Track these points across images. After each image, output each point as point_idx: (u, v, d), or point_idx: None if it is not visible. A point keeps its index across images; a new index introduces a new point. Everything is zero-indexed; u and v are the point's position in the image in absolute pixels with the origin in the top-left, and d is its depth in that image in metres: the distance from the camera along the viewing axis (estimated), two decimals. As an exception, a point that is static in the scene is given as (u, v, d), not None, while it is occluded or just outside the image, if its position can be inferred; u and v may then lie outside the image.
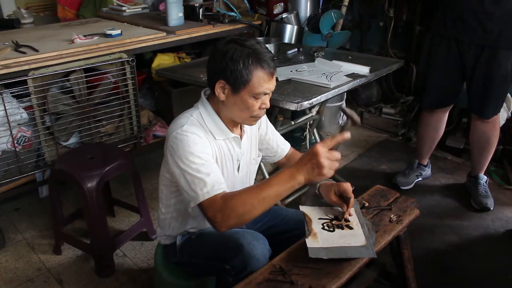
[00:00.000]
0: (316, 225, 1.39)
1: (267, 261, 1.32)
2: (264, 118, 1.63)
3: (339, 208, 1.48)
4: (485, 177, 2.60)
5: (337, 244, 1.31)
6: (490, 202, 2.51)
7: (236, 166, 1.51)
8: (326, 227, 1.39)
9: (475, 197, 2.54)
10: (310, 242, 1.30)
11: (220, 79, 1.35)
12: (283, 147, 1.70)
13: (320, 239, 1.32)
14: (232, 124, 1.45)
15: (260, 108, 1.39)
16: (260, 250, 1.34)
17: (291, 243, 1.35)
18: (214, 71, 1.36)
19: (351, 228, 1.40)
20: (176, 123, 1.40)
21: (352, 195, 1.45)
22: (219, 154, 1.43)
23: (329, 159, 1.20)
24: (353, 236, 1.35)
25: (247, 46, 1.33)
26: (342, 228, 1.39)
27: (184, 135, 1.33)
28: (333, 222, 1.42)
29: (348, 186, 1.46)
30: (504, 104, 2.69)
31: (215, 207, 1.25)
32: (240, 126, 1.51)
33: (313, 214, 1.45)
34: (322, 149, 1.20)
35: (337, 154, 1.22)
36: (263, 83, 1.34)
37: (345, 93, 3.49)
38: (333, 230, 1.38)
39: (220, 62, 1.33)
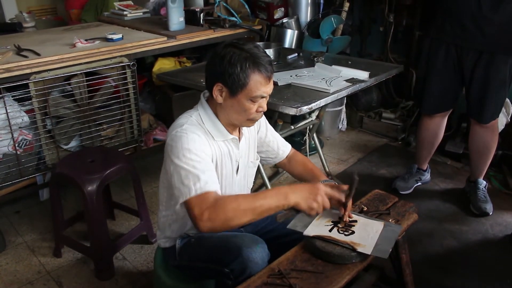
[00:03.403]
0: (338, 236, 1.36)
1: (266, 265, 1.32)
2: (264, 120, 1.65)
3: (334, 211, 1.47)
4: (484, 182, 2.61)
5: (376, 237, 1.34)
6: (489, 207, 2.51)
7: (235, 167, 1.52)
8: (346, 232, 1.37)
9: (474, 202, 2.54)
10: (366, 250, 1.28)
11: (218, 82, 1.37)
12: (284, 149, 1.72)
13: (362, 242, 1.31)
14: (231, 126, 1.47)
15: (257, 111, 1.40)
16: (259, 254, 1.35)
17: (290, 247, 1.35)
18: (213, 74, 1.38)
19: (355, 220, 1.42)
20: (176, 123, 1.42)
21: (349, 200, 1.40)
22: (219, 154, 1.45)
23: (330, 196, 1.30)
24: (370, 225, 1.40)
25: (245, 50, 1.35)
26: (351, 226, 1.40)
27: (184, 132, 1.35)
28: (340, 226, 1.39)
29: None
30: (503, 109, 2.69)
31: (204, 205, 1.24)
32: (239, 129, 1.53)
33: (320, 232, 1.38)
34: (324, 188, 1.30)
35: (339, 195, 1.33)
36: (260, 86, 1.36)
37: (345, 98, 3.50)
38: (354, 232, 1.37)
39: (218, 66, 1.35)
